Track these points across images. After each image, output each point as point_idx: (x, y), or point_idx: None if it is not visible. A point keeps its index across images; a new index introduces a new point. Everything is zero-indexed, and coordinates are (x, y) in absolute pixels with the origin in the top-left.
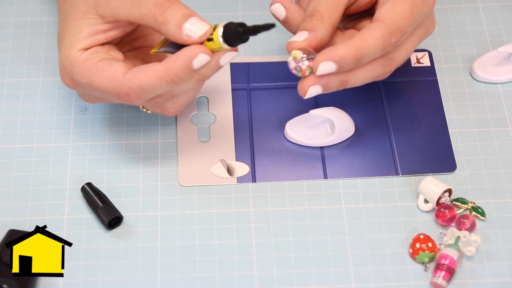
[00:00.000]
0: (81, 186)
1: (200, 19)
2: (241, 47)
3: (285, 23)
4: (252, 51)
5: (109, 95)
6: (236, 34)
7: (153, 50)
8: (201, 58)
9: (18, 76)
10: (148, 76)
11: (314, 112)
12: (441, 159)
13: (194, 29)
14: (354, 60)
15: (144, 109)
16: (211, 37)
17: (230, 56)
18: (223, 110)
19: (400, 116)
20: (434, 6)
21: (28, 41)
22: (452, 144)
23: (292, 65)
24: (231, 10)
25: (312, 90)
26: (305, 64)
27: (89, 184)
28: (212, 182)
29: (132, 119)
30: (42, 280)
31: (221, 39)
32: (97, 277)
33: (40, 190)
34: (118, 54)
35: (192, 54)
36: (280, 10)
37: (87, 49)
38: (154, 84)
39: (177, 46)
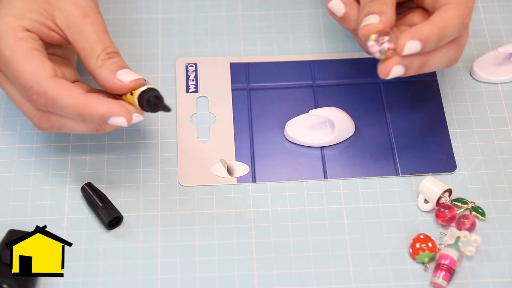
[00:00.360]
0: (81, 186)
1: (133, 72)
2: (241, 47)
3: (343, 19)
4: (252, 51)
5: (20, 83)
6: (148, 102)
7: None
8: (119, 120)
9: None
10: (69, 96)
11: (314, 112)
12: (441, 159)
13: (126, 75)
14: (437, 39)
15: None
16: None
17: (136, 119)
18: (223, 110)
19: (400, 116)
20: None
21: None
22: (452, 144)
23: (375, 48)
24: (231, 10)
25: (395, 70)
26: (386, 46)
27: (89, 184)
28: (212, 182)
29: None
30: (42, 280)
31: (136, 101)
32: (97, 277)
33: (40, 190)
34: (51, 56)
35: (115, 113)
36: (339, 5)
37: (28, 31)
38: (67, 106)
39: None
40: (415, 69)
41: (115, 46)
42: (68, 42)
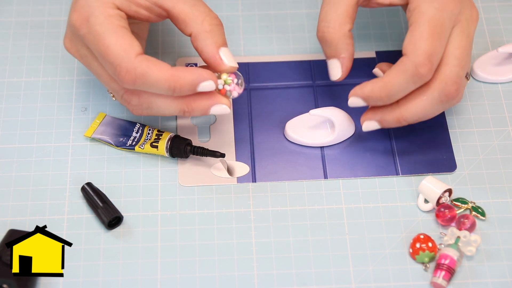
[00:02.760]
0: (81, 186)
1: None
2: (241, 47)
3: None
4: (252, 51)
5: (108, 60)
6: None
7: (87, 134)
8: (207, 84)
9: (18, 76)
10: (158, 69)
11: (314, 112)
12: (441, 159)
13: (228, 56)
14: (382, 100)
15: (112, 96)
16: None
17: (220, 109)
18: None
19: None
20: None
21: (28, 41)
22: (452, 144)
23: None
24: (231, 10)
25: (367, 124)
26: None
27: (89, 184)
28: (212, 182)
29: (133, 119)
30: (42, 280)
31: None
32: (97, 277)
33: (40, 190)
34: (139, 34)
35: (204, 77)
36: (379, 74)
37: (118, 9)
38: (157, 80)
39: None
40: (392, 123)
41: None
42: (156, 18)
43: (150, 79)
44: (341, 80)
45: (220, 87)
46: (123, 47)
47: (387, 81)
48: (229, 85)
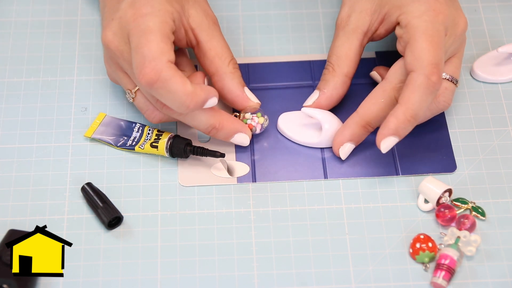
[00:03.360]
0: (81, 186)
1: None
2: (241, 47)
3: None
4: (252, 51)
5: (142, 51)
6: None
7: (87, 134)
8: (213, 101)
9: (18, 76)
10: (181, 83)
11: (305, 110)
12: (441, 159)
13: (251, 94)
14: (410, 123)
15: (130, 97)
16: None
17: (242, 137)
18: (223, 110)
19: None
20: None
21: (28, 41)
22: (452, 144)
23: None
24: (231, 10)
25: (385, 143)
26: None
27: (89, 184)
28: (212, 182)
29: (132, 119)
30: (42, 280)
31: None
32: (97, 277)
33: (40, 190)
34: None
35: (213, 95)
36: (377, 77)
37: (173, 22)
38: (176, 91)
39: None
40: (405, 126)
41: None
42: (184, 43)
43: (171, 86)
44: (307, 107)
45: (249, 121)
46: (161, 49)
47: (406, 102)
48: (254, 121)
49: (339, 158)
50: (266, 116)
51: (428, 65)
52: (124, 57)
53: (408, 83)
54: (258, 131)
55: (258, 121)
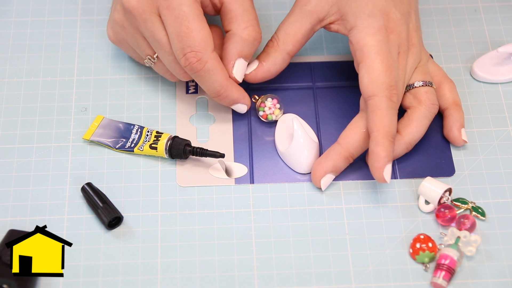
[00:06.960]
0: (81, 186)
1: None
2: None
3: None
4: None
5: (187, 43)
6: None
7: (85, 137)
8: (241, 107)
9: (18, 76)
10: (221, 73)
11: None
12: (439, 163)
13: (242, 68)
14: (393, 144)
15: (151, 62)
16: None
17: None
18: (223, 111)
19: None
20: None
21: (28, 41)
22: (452, 145)
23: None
24: None
25: (386, 173)
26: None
27: (89, 184)
28: (210, 183)
29: (132, 119)
30: (42, 280)
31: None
32: (97, 277)
33: (40, 190)
34: None
35: (244, 102)
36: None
37: None
38: (214, 81)
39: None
40: (402, 153)
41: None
42: (211, 10)
43: (211, 77)
44: (250, 79)
45: (266, 110)
46: (205, 37)
47: (383, 127)
48: (272, 112)
49: None
50: (282, 110)
51: (387, 88)
52: (147, 26)
53: (375, 108)
54: (273, 118)
55: (274, 112)
